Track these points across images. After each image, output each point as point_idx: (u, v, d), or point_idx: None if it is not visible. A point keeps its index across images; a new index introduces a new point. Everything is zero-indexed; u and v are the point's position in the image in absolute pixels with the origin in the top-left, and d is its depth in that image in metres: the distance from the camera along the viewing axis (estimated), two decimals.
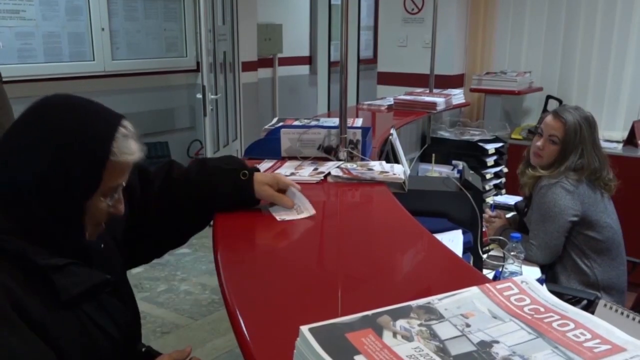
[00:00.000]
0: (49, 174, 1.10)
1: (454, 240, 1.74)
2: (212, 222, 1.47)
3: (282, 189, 1.49)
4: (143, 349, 1.32)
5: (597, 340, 0.72)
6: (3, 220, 1.10)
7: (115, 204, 1.21)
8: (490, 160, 3.40)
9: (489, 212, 2.62)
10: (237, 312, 0.96)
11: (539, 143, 2.38)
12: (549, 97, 4.19)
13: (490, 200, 3.16)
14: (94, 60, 4.51)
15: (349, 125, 2.03)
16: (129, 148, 1.15)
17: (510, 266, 1.87)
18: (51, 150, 1.10)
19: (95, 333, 1.17)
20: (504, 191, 3.53)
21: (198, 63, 4.93)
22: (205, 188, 1.46)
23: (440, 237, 1.57)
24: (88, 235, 1.19)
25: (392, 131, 2.41)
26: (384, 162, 1.94)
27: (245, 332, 0.90)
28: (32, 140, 1.12)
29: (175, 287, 3.66)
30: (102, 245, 1.28)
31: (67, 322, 1.11)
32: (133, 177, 1.41)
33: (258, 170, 1.53)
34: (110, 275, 1.21)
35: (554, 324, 0.76)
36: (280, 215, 1.44)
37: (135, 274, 3.61)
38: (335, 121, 2.09)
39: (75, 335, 1.12)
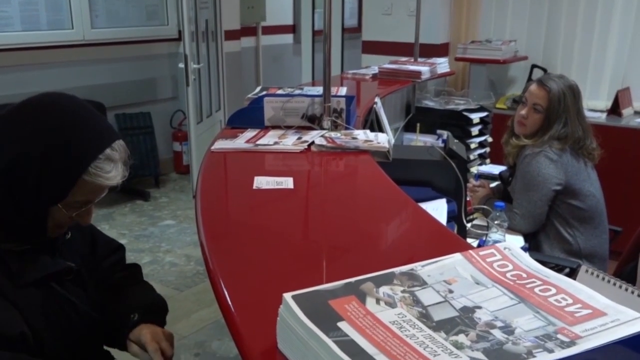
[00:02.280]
0: (18, 171, 1.07)
1: (438, 209, 1.75)
2: (195, 194, 1.46)
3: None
4: (135, 318, 1.30)
5: (578, 305, 0.72)
6: None
7: (82, 214, 1.18)
8: (474, 130, 3.40)
9: (472, 182, 2.63)
10: (221, 283, 0.96)
11: (523, 112, 2.38)
12: (533, 66, 4.18)
13: (474, 169, 3.17)
14: (72, 28, 4.40)
15: (333, 93, 2.01)
16: (108, 172, 1.11)
17: (494, 235, 1.88)
18: (29, 146, 1.07)
19: (56, 316, 1.18)
20: (488, 161, 3.54)
21: (180, 32, 4.83)
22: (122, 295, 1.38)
23: (424, 206, 1.58)
24: (49, 233, 1.17)
25: (377, 100, 2.40)
26: (368, 131, 1.93)
27: (230, 302, 0.90)
28: (17, 132, 1.09)
29: (160, 258, 3.65)
30: (69, 235, 1.27)
31: (30, 297, 1.12)
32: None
33: (162, 322, 1.35)
34: (74, 264, 1.22)
35: (536, 290, 0.76)
36: None
37: None
38: (319, 90, 2.06)
39: (37, 308, 1.13)
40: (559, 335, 0.66)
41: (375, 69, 3.51)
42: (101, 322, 1.30)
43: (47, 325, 1.14)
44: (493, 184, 2.74)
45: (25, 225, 1.12)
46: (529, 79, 4.02)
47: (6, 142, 1.08)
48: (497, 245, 0.87)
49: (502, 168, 2.74)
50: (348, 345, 0.63)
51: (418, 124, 3.29)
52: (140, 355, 1.25)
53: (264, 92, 2.37)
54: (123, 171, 1.15)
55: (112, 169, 1.12)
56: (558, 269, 2.20)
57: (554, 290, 0.76)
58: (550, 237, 2.36)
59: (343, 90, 2.49)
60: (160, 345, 1.24)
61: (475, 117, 3.40)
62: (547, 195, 2.27)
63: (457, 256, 0.84)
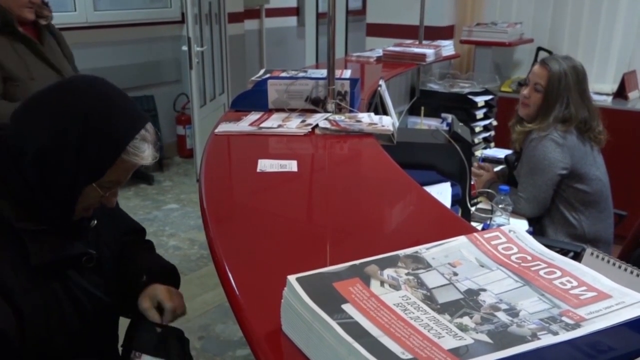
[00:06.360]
0: (56, 151, 1.09)
1: (442, 193, 1.75)
2: (199, 178, 1.45)
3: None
4: (144, 279, 1.32)
5: (583, 288, 0.72)
6: None
7: (110, 196, 1.21)
8: (479, 113, 3.39)
9: (476, 165, 2.62)
10: (226, 266, 0.96)
11: (525, 92, 2.37)
12: (539, 48, 4.14)
13: (479, 153, 3.16)
14: (75, 10, 4.38)
15: (337, 76, 2.00)
16: (143, 151, 1.16)
17: (498, 219, 1.87)
18: (68, 130, 1.09)
19: (66, 304, 1.17)
20: (492, 144, 3.53)
21: (183, 14, 4.81)
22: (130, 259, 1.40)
23: (428, 189, 1.57)
24: (76, 214, 1.18)
25: (381, 82, 2.38)
26: (372, 114, 1.91)
27: (234, 285, 0.90)
28: (54, 112, 1.11)
29: (164, 242, 3.67)
30: (95, 222, 1.28)
31: (35, 289, 1.12)
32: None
33: (172, 284, 1.36)
34: (95, 251, 1.22)
35: (541, 272, 0.76)
36: None
37: None
38: (323, 72, 2.05)
39: (40, 303, 1.12)
40: (563, 318, 0.66)
41: (379, 52, 3.48)
42: (109, 318, 1.30)
43: (44, 319, 1.13)
44: (497, 168, 2.73)
45: (53, 205, 1.13)
46: (535, 62, 3.99)
47: (43, 123, 1.10)
48: (502, 228, 0.87)
49: (507, 152, 2.73)
50: (352, 328, 0.63)
51: (422, 107, 3.28)
52: (149, 311, 1.27)
53: (268, 75, 2.36)
54: (154, 152, 1.20)
55: (146, 149, 1.17)
56: (562, 252, 2.18)
57: (558, 273, 0.76)
58: (555, 221, 2.35)
59: (347, 73, 2.47)
60: (173, 304, 1.28)
61: (480, 100, 3.38)
62: (552, 179, 2.27)
63: (461, 239, 0.84)
